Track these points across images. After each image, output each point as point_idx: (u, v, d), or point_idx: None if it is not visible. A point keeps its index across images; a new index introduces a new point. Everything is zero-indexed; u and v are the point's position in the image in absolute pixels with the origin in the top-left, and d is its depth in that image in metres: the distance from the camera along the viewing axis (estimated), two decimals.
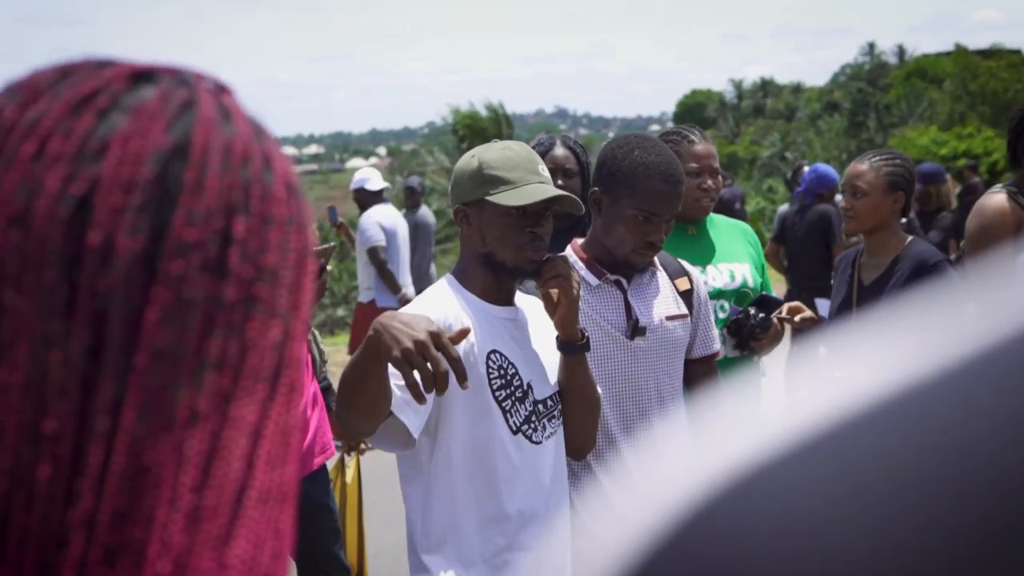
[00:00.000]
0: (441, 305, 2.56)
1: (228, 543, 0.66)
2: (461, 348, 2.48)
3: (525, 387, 2.63)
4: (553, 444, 2.69)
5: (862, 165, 3.96)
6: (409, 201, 9.94)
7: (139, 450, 0.64)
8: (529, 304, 2.78)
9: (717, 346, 3.24)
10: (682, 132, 3.75)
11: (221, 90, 0.72)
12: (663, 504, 0.30)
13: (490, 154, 2.61)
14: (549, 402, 2.69)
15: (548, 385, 2.71)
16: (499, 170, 2.57)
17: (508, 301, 2.70)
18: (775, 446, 0.30)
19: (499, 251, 2.59)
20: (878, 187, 3.89)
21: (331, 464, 4.10)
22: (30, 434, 0.63)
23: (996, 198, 3.85)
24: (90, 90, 0.67)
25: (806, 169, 9.40)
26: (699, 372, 3.20)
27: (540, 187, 2.58)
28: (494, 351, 2.59)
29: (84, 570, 0.62)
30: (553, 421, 2.69)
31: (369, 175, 9.04)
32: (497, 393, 2.57)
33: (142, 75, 0.69)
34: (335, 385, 3.60)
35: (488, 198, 2.56)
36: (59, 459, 0.63)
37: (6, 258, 0.63)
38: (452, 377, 2.26)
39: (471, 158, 2.63)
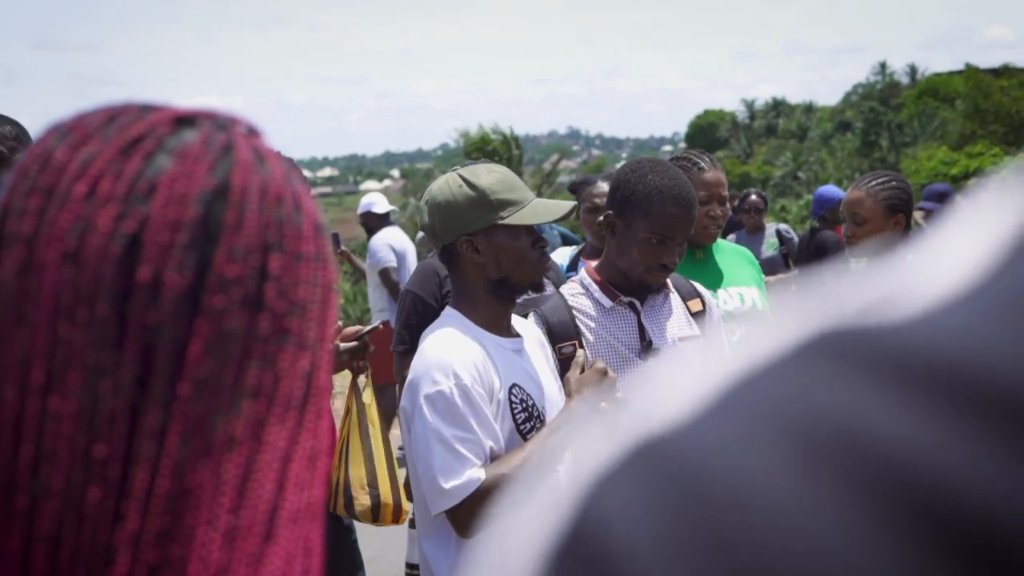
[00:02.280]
0: (466, 348, 2.54)
1: (262, 560, 0.70)
2: (491, 386, 2.53)
3: (543, 417, 2.64)
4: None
5: (859, 192, 3.94)
6: None
7: (182, 473, 0.67)
8: (522, 327, 2.79)
9: None
10: (692, 159, 3.76)
11: (253, 133, 0.76)
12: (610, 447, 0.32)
13: (485, 180, 2.59)
14: None
15: (557, 410, 2.72)
16: (503, 193, 2.58)
17: (509, 331, 2.70)
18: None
19: (515, 272, 2.61)
20: (878, 213, 3.88)
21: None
22: (81, 458, 0.66)
23: None
24: (137, 134, 0.71)
25: (752, 197, 9.01)
26: None
27: (547, 201, 2.65)
28: (515, 385, 2.59)
29: None
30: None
31: (375, 199, 9.09)
32: (522, 427, 2.58)
33: (184, 119, 0.73)
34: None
35: (503, 222, 2.57)
36: (108, 482, 0.67)
37: (61, 292, 0.67)
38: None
39: (459, 187, 2.59)
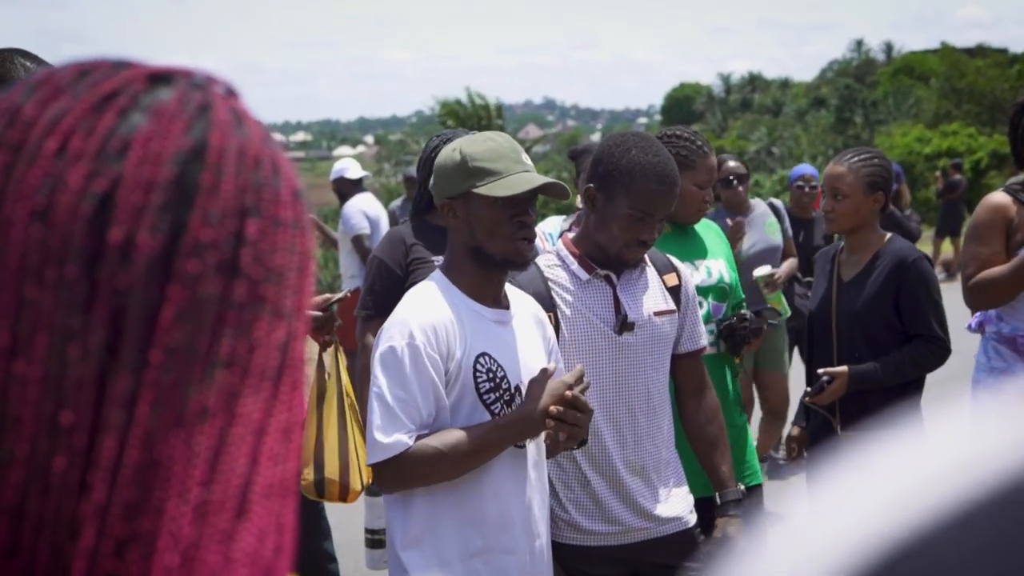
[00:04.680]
0: (432, 309, 2.57)
1: (234, 536, 0.68)
2: (449, 350, 2.54)
3: (512, 390, 2.63)
4: (535, 447, 2.70)
5: (840, 167, 3.95)
6: (411, 192, 9.89)
7: (151, 444, 0.65)
8: (518, 301, 2.78)
9: (704, 341, 3.27)
10: (696, 141, 3.76)
11: (231, 94, 0.74)
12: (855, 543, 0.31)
13: (474, 146, 2.61)
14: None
15: (520, 380, 2.70)
16: (484, 162, 2.58)
17: (497, 301, 2.69)
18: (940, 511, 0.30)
19: (488, 243, 2.59)
20: (858, 189, 3.90)
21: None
22: (47, 426, 0.64)
23: (995, 195, 3.92)
24: (110, 89, 0.68)
25: (730, 163, 6.68)
26: (686, 367, 3.22)
27: (526, 176, 2.60)
28: (483, 354, 2.59)
29: (95, 561, 0.64)
30: None
31: (348, 164, 9.09)
32: (485, 397, 2.59)
33: (159, 76, 0.70)
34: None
35: (475, 190, 2.57)
36: (74, 451, 0.64)
37: (27, 252, 0.64)
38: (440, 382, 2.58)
39: (452, 151, 2.63)
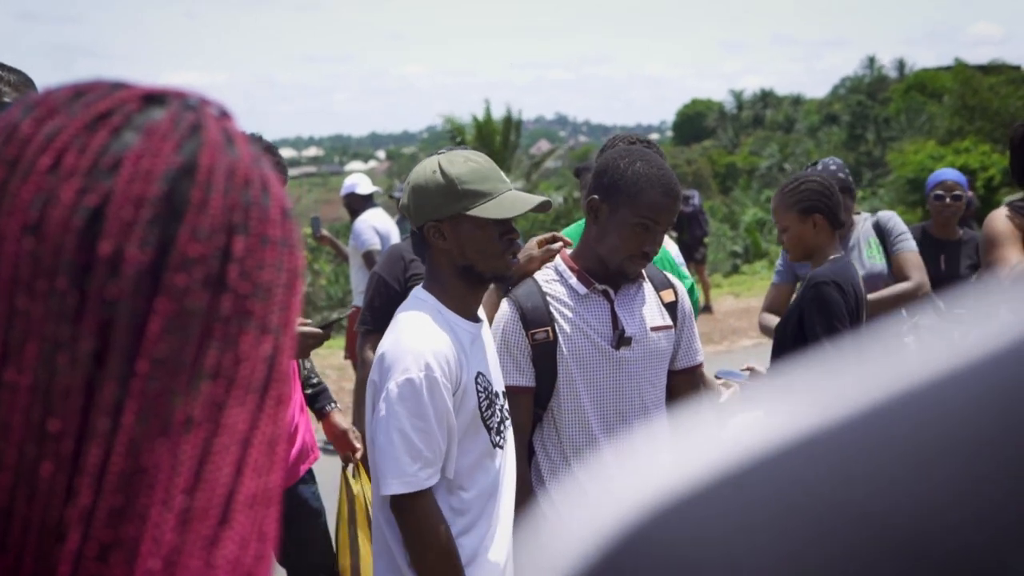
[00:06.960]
0: (440, 337, 2.57)
1: (216, 544, 0.69)
2: (458, 377, 2.56)
3: (500, 400, 2.70)
4: (508, 445, 2.76)
5: (774, 201, 3.89)
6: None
7: (137, 451, 0.67)
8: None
9: (700, 357, 3.28)
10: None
11: (224, 115, 0.76)
12: (606, 518, 0.32)
13: (458, 168, 2.62)
14: (505, 404, 2.76)
15: (500, 385, 2.77)
16: (473, 184, 2.60)
17: (475, 314, 2.73)
18: (713, 471, 0.32)
19: (479, 262, 2.63)
20: (793, 218, 3.81)
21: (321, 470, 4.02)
22: (35, 432, 0.66)
23: (1000, 211, 3.96)
24: (105, 109, 0.71)
25: (838, 176, 4.95)
26: (682, 383, 3.23)
27: (516, 195, 2.65)
28: (479, 373, 2.64)
29: (79, 564, 0.66)
30: (507, 422, 2.77)
31: (358, 180, 9.06)
32: (484, 414, 2.63)
33: (153, 97, 0.73)
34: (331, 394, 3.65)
35: (469, 213, 2.59)
36: (61, 457, 0.66)
37: (20, 264, 0.67)
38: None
39: (433, 173, 2.62)
